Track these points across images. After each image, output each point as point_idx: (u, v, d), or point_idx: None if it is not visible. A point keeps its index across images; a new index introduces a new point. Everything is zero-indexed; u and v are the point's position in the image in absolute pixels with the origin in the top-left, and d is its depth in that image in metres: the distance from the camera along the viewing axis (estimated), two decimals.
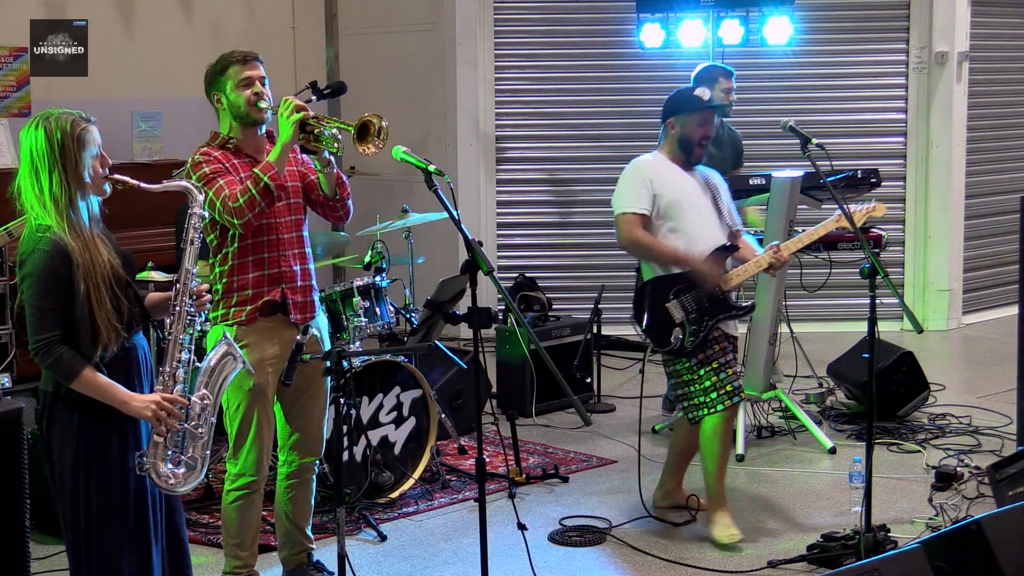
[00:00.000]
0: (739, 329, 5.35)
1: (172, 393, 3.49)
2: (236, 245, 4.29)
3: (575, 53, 9.28)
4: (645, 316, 5.11)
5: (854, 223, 4.85)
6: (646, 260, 5.19)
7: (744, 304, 5.27)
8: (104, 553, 3.48)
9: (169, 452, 3.48)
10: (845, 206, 4.74)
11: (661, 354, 5.17)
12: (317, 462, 4.66)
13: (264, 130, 4.43)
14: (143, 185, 3.56)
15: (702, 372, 5.05)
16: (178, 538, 3.70)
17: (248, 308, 4.32)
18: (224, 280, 4.34)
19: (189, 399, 3.52)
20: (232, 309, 4.33)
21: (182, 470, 3.51)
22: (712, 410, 5.05)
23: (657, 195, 5.08)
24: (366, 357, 5.34)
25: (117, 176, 3.51)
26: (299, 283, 4.40)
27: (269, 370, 4.33)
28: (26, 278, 3.35)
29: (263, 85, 4.32)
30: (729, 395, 5.04)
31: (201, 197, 3.66)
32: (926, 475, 5.80)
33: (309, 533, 4.70)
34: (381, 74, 9.58)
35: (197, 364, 3.60)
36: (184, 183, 3.70)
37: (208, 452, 3.58)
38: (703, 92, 5.17)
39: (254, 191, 4.15)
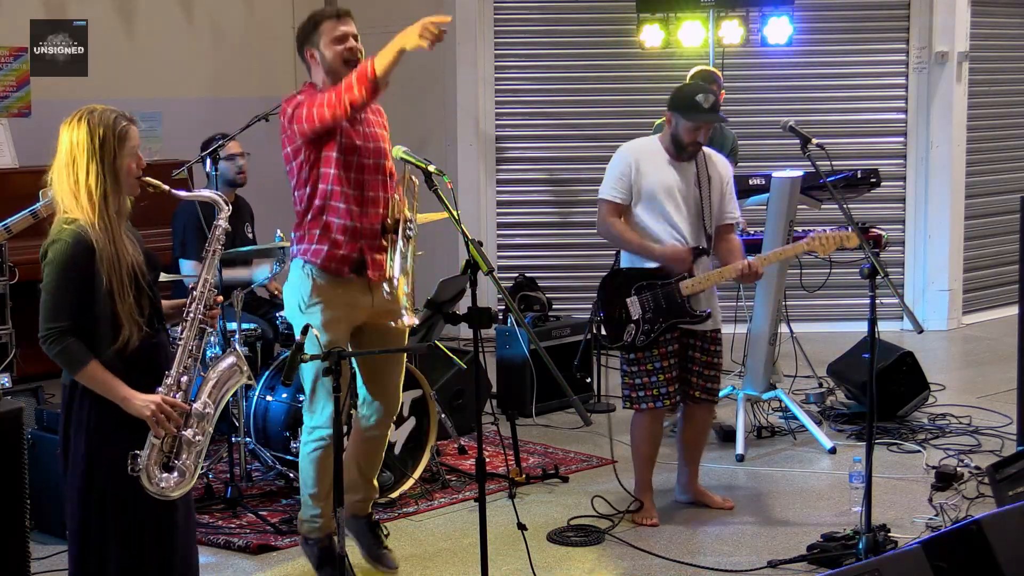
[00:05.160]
0: (730, 329, 5.37)
1: (175, 398, 3.48)
2: (326, 179, 4.33)
3: (575, 53, 9.28)
4: (603, 306, 5.20)
5: (854, 222, 4.85)
6: (616, 247, 5.30)
7: (699, 312, 5.16)
8: (122, 555, 3.47)
9: (164, 457, 3.46)
10: (845, 206, 4.74)
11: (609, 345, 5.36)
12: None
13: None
14: (174, 191, 3.62)
15: (636, 368, 5.15)
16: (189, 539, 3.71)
17: (326, 250, 4.36)
18: (308, 216, 4.38)
19: (191, 405, 3.51)
20: (312, 247, 4.38)
21: (175, 476, 3.48)
22: (636, 406, 5.20)
23: (636, 183, 5.12)
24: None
25: (149, 179, 3.55)
26: (377, 241, 4.45)
27: (343, 327, 4.42)
28: (47, 266, 3.41)
29: (356, 41, 4.39)
30: (654, 398, 5.16)
31: (227, 209, 3.69)
32: (926, 475, 5.79)
33: (376, 484, 4.83)
34: None
35: (202, 373, 3.59)
36: (210, 193, 3.77)
37: (201, 460, 3.54)
38: (705, 99, 5.07)
39: (353, 79, 4.13)
